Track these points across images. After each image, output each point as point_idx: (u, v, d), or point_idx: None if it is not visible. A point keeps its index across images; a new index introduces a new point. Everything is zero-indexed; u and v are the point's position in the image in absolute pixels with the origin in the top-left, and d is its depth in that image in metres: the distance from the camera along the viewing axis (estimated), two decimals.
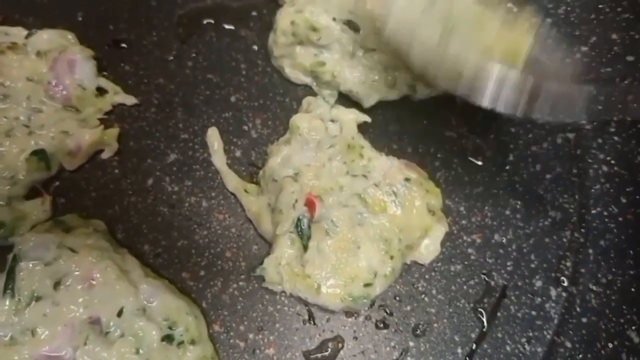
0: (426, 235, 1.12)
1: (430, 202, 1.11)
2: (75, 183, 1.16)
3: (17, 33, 1.22)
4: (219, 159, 1.19)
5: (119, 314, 0.97)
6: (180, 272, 1.11)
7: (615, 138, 1.25)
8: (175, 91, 1.25)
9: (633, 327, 1.07)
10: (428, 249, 1.14)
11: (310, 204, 1.07)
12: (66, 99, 1.18)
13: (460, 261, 1.17)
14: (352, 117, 1.16)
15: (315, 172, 1.10)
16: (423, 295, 1.14)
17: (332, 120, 1.15)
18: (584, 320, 1.13)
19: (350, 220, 1.07)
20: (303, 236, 1.06)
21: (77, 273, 0.99)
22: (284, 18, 1.20)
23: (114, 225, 1.13)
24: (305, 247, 1.06)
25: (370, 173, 1.11)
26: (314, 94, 1.26)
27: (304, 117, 1.15)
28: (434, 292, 1.14)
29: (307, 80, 1.26)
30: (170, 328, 0.99)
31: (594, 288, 1.16)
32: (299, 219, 1.07)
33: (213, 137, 1.20)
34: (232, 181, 1.17)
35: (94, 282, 0.99)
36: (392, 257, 1.07)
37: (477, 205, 1.21)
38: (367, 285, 1.05)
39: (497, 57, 0.97)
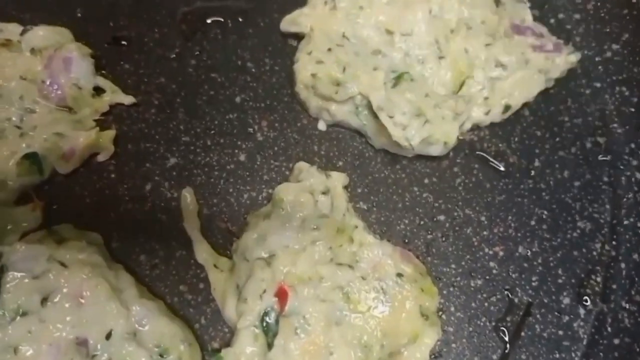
0: (414, 342, 0.98)
1: (424, 304, 0.99)
2: (69, 188, 1.10)
3: (12, 29, 1.17)
4: (191, 225, 1.08)
5: (108, 336, 0.92)
6: (177, 285, 1.05)
7: None
8: (177, 91, 1.19)
9: None
10: (414, 357, 0.98)
11: (281, 295, 0.95)
12: (61, 98, 1.12)
13: (481, 276, 1.09)
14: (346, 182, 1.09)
15: (293, 257, 0.98)
16: (440, 313, 1.05)
17: (324, 193, 1.06)
18: (616, 341, 1.06)
19: (327, 318, 0.94)
20: (268, 332, 0.94)
21: (65, 290, 0.93)
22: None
23: (109, 233, 1.07)
24: (269, 345, 0.93)
25: (358, 263, 0.99)
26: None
27: (291, 188, 1.05)
28: (452, 309, 1.07)
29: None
30: (161, 355, 0.93)
31: (627, 306, 1.08)
32: (265, 312, 0.95)
33: (188, 199, 1.09)
34: (202, 252, 1.05)
35: (83, 301, 0.93)
36: None
37: (500, 215, 1.14)
38: None
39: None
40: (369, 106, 1.11)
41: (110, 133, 1.13)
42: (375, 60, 1.15)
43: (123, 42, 1.23)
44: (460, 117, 1.13)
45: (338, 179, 1.09)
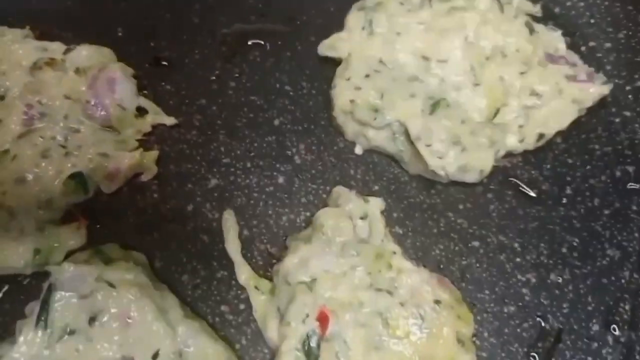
0: None
1: (461, 331, 1.00)
2: (113, 207, 1.12)
3: (56, 48, 1.19)
4: (233, 247, 1.09)
5: (155, 356, 0.94)
6: (219, 306, 1.07)
7: None
8: (217, 113, 1.21)
9: None
10: None
11: (322, 319, 0.97)
12: (105, 119, 1.14)
13: (514, 302, 1.10)
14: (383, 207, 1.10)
15: (334, 282, 1.00)
16: (474, 338, 1.07)
17: (362, 218, 1.07)
18: None
19: (366, 343, 0.95)
20: (310, 355, 0.95)
21: (114, 310, 0.95)
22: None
23: (152, 253, 1.09)
24: None
25: (396, 289, 1.00)
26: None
27: (331, 213, 1.07)
28: (485, 335, 1.08)
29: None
30: None
31: None
32: (307, 336, 0.96)
33: (229, 221, 1.11)
34: (243, 273, 1.07)
35: (130, 321, 0.95)
36: None
37: (532, 242, 1.15)
38: None
39: None
40: (406, 133, 1.13)
41: (154, 154, 1.15)
42: (412, 87, 1.17)
43: (164, 63, 1.25)
44: (496, 145, 1.15)
45: (376, 204, 1.10)
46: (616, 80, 1.28)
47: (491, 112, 1.18)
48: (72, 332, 0.93)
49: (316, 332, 0.98)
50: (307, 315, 0.98)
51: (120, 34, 1.26)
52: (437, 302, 1.02)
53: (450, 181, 1.17)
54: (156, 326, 0.95)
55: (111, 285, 0.97)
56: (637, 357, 1.08)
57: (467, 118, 1.16)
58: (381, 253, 1.05)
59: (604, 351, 1.09)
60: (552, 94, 1.19)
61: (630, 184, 1.21)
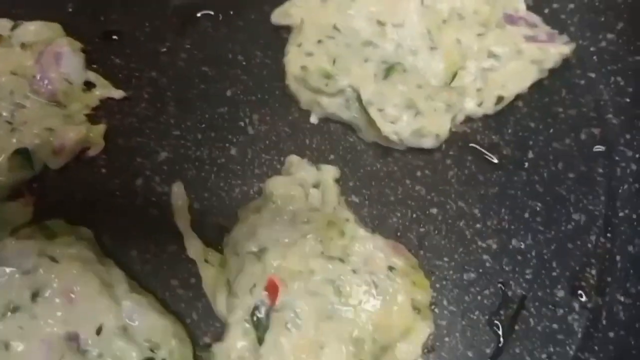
0: (406, 337, 0.97)
1: (416, 298, 0.98)
2: (60, 183, 1.10)
3: (3, 25, 1.16)
4: (182, 220, 1.07)
5: (98, 331, 0.92)
6: (169, 280, 1.04)
7: None
8: (167, 85, 1.18)
9: None
10: (406, 351, 0.98)
11: (271, 289, 0.95)
12: (51, 93, 1.12)
13: (475, 269, 1.08)
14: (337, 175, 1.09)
15: (284, 250, 0.97)
16: (433, 307, 1.05)
17: (315, 186, 1.05)
18: (611, 334, 1.04)
19: (318, 312, 0.93)
20: (259, 326, 0.93)
21: (56, 285, 0.93)
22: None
23: (100, 229, 1.06)
24: (260, 340, 0.92)
25: (349, 257, 0.98)
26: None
27: (282, 181, 1.05)
28: (444, 302, 1.06)
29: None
30: (151, 350, 0.93)
31: (622, 299, 1.07)
32: (255, 307, 0.94)
33: (178, 193, 1.09)
34: (193, 247, 1.05)
35: (74, 296, 0.93)
36: None
37: (493, 208, 1.12)
38: None
39: None
40: (360, 99, 1.10)
41: (101, 128, 1.12)
42: (366, 52, 1.14)
43: (114, 37, 1.22)
44: (453, 108, 1.12)
45: (329, 172, 1.08)
46: (580, 42, 1.25)
47: (449, 75, 1.16)
48: (15, 309, 0.91)
49: (265, 302, 0.95)
50: (255, 285, 0.96)
51: (70, 9, 1.24)
52: (391, 268, 0.99)
53: (408, 148, 1.14)
54: (100, 300, 0.94)
55: (54, 260, 0.95)
56: (604, 322, 1.06)
57: (424, 82, 1.13)
58: (333, 221, 1.03)
59: (569, 318, 1.07)
60: (511, 55, 1.16)
61: (596, 146, 1.19)
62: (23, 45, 1.14)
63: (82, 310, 0.93)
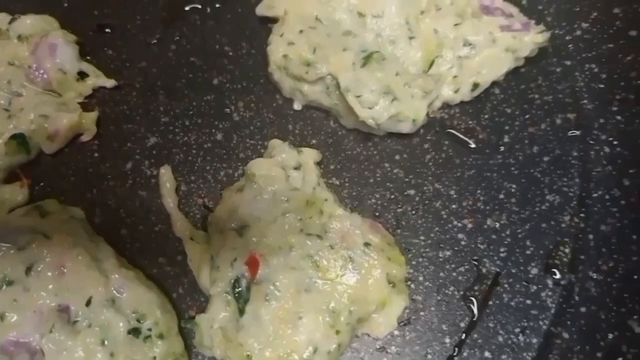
0: (382, 309, 1.02)
1: (392, 272, 1.02)
2: (54, 167, 1.15)
3: (1, 18, 1.22)
4: (169, 201, 1.11)
5: (88, 303, 0.96)
6: (157, 257, 1.09)
7: (618, 117, 1.19)
8: (157, 75, 1.23)
9: (635, 317, 1.01)
10: (382, 322, 1.02)
11: (252, 263, 0.99)
12: (46, 82, 1.17)
13: (450, 247, 1.11)
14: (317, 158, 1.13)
15: (264, 227, 1.02)
16: (409, 282, 1.08)
17: (296, 168, 1.09)
18: (583, 309, 1.07)
19: (296, 285, 0.97)
20: (240, 299, 0.97)
21: (48, 259, 0.97)
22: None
23: (92, 209, 1.12)
24: (241, 311, 0.97)
25: (326, 233, 1.03)
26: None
27: (263, 163, 1.09)
28: (420, 278, 1.09)
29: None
30: (138, 321, 0.97)
31: (594, 276, 1.09)
32: (236, 279, 0.98)
33: (166, 176, 1.13)
34: (180, 225, 1.09)
35: (65, 270, 0.97)
36: (338, 332, 0.97)
37: (469, 189, 1.16)
38: None
39: None
40: (340, 86, 1.14)
41: (93, 114, 1.17)
42: (346, 41, 1.18)
43: (107, 30, 1.27)
44: (430, 95, 1.15)
45: (309, 155, 1.12)
46: (556, 31, 1.28)
47: (426, 64, 1.19)
48: (10, 283, 0.96)
49: (245, 275, 0.99)
50: (235, 259, 1.00)
51: (65, 4, 1.30)
52: (367, 244, 1.03)
53: (387, 133, 1.18)
54: (89, 274, 0.98)
55: (47, 236, 1.00)
56: (577, 298, 1.09)
57: (401, 70, 1.16)
58: (313, 200, 1.07)
59: (543, 294, 1.09)
60: (486, 43, 1.19)
61: (571, 131, 1.22)
62: (20, 38, 1.19)
63: (73, 283, 0.97)
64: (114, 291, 0.99)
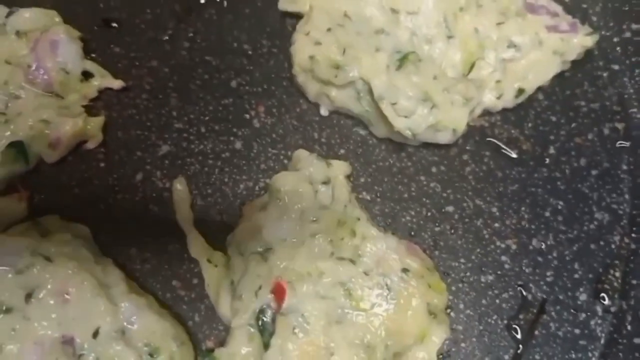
0: (421, 343, 0.94)
1: (432, 302, 0.95)
2: (56, 178, 1.07)
3: None
4: (184, 218, 1.03)
5: (95, 335, 0.90)
6: (170, 281, 1.01)
7: None
8: (169, 75, 1.15)
9: None
10: (421, 358, 0.94)
11: (278, 292, 0.91)
12: (47, 84, 1.09)
13: (492, 271, 1.04)
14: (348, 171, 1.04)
15: (291, 251, 0.94)
16: (449, 310, 1.01)
17: (325, 182, 1.00)
18: (636, 340, 1.01)
19: (327, 316, 0.90)
20: (264, 331, 0.90)
21: (50, 286, 0.90)
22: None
23: (98, 226, 1.03)
24: (265, 345, 0.89)
25: (360, 258, 0.95)
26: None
27: (289, 177, 1.00)
28: (461, 306, 1.02)
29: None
30: (151, 355, 0.90)
31: None
32: (261, 310, 0.91)
33: (180, 190, 1.05)
34: (195, 245, 1.01)
35: (69, 297, 0.90)
36: None
37: (512, 206, 1.09)
38: None
39: None
40: (372, 92, 1.05)
41: (99, 120, 1.09)
42: (378, 41, 1.09)
43: (113, 24, 1.18)
44: (471, 102, 1.08)
45: (340, 168, 1.04)
46: (603, 32, 1.22)
47: (466, 66, 1.11)
48: (8, 311, 0.89)
49: (271, 305, 0.92)
50: (260, 288, 0.92)
51: None
52: (405, 270, 0.95)
53: (422, 143, 1.10)
54: (96, 303, 0.91)
55: (48, 259, 0.93)
56: (629, 327, 1.03)
57: (439, 74, 1.08)
58: (344, 220, 0.99)
59: (592, 322, 1.03)
60: (532, 45, 1.12)
61: (619, 142, 1.15)
62: (18, 33, 1.10)
63: (78, 312, 0.90)
64: (124, 321, 0.92)
